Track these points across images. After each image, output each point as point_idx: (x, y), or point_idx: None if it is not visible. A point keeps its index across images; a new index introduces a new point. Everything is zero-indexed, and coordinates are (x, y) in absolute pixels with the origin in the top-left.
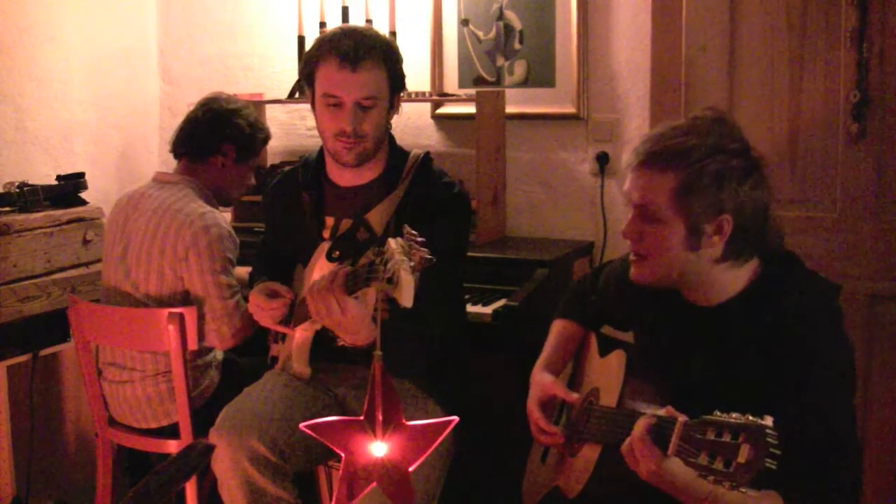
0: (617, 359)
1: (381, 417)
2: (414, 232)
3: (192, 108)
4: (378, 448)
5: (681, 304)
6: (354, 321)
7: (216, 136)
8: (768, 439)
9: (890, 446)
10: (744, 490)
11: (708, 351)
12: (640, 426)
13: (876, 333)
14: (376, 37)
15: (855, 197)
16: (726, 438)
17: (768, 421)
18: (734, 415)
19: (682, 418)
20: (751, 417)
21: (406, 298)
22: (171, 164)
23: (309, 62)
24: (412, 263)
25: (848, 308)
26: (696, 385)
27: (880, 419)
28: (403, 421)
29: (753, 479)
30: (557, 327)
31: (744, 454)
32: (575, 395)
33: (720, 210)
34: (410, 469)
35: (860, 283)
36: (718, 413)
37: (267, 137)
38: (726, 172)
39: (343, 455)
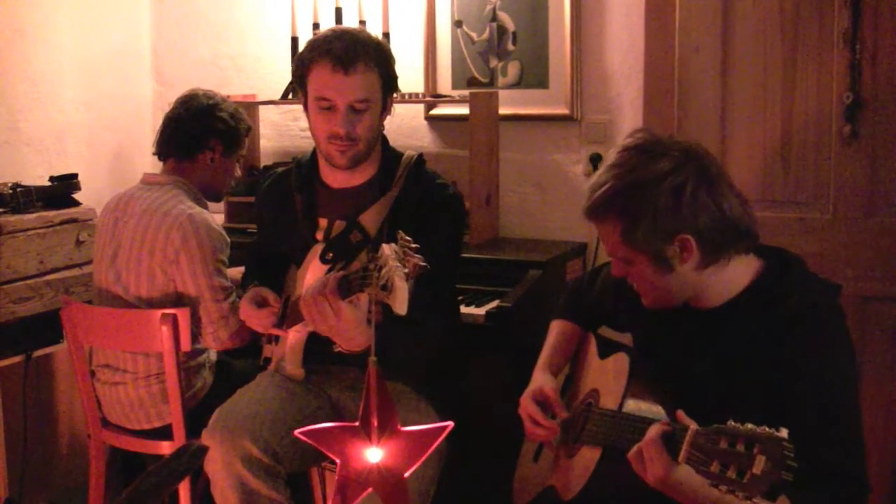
0: (618, 361)
1: (376, 423)
2: (408, 238)
3: (171, 107)
4: (374, 454)
5: (682, 308)
6: (349, 326)
7: (202, 132)
8: (785, 451)
9: (882, 447)
10: (756, 501)
11: (710, 353)
12: (653, 431)
13: (869, 334)
14: (368, 39)
15: (848, 198)
16: (740, 448)
17: (784, 433)
18: (748, 425)
19: (693, 426)
20: (766, 428)
21: (400, 305)
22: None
23: (301, 65)
24: (406, 270)
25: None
26: (699, 387)
27: (872, 420)
28: (399, 426)
29: (767, 490)
30: (556, 327)
31: (759, 465)
32: (565, 413)
33: (671, 234)
34: (406, 474)
35: (853, 283)
36: (732, 422)
37: (249, 128)
38: (657, 201)
39: (338, 461)
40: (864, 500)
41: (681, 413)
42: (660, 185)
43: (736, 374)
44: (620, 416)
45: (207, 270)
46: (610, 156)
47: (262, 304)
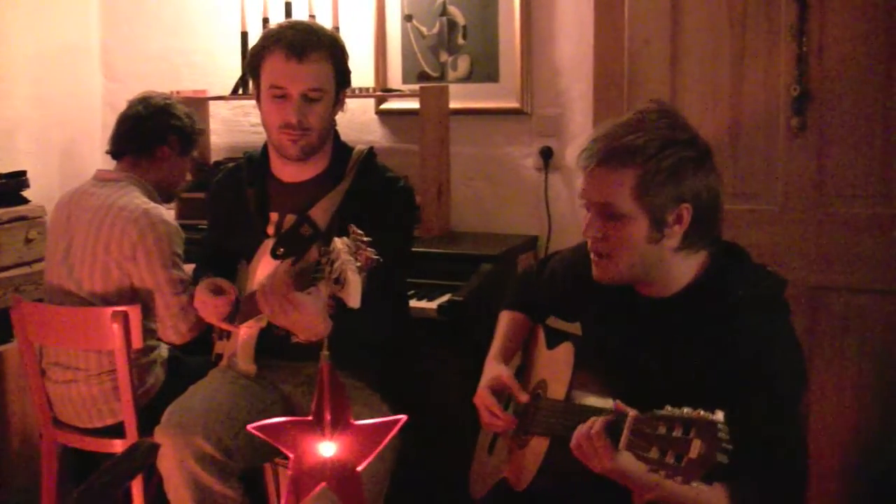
0: (565, 351)
1: (329, 417)
2: (360, 231)
3: (126, 107)
4: (326, 448)
5: (632, 296)
6: (311, 317)
7: (160, 128)
8: (720, 434)
9: (831, 437)
10: (695, 484)
11: (657, 342)
12: (597, 424)
13: (817, 324)
14: (323, 31)
15: (796, 190)
16: (677, 433)
17: (719, 416)
18: (685, 409)
19: (632, 412)
20: (702, 412)
21: (353, 299)
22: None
23: (255, 55)
24: (359, 264)
25: (790, 299)
26: (646, 376)
27: (822, 407)
28: (352, 420)
29: (705, 474)
30: (505, 318)
31: (695, 449)
32: (526, 396)
33: (680, 200)
34: (359, 468)
35: (802, 274)
36: (669, 408)
37: (202, 130)
38: (681, 164)
39: (291, 455)
40: (802, 491)
41: (618, 402)
42: (686, 150)
43: (682, 364)
44: (567, 406)
45: (166, 264)
46: (629, 114)
47: (217, 292)
